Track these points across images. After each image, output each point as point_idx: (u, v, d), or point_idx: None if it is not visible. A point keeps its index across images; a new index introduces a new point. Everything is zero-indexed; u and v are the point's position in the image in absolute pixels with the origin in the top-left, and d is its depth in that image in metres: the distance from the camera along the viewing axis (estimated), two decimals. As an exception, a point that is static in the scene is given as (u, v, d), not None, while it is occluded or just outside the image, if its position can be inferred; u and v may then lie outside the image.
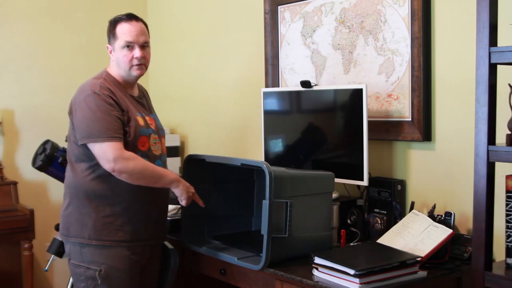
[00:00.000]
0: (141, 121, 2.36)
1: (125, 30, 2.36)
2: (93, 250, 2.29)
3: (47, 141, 2.75)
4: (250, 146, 3.39)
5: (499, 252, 2.05)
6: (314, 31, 2.95)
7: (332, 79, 2.87)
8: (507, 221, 1.89)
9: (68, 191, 2.38)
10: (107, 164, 2.21)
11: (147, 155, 2.34)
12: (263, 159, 2.95)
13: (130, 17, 2.41)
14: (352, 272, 1.93)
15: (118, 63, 2.37)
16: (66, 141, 2.76)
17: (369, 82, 2.62)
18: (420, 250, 2.16)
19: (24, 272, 3.52)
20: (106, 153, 2.20)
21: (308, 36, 2.99)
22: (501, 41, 1.86)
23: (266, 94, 2.96)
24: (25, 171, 3.73)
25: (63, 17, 3.96)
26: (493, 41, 1.82)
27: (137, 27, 2.38)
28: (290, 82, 3.11)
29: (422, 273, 2.06)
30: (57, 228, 2.86)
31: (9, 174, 3.71)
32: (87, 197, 2.30)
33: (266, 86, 3.22)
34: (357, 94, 2.49)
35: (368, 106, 2.50)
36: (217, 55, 3.65)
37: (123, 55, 2.35)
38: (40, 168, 2.70)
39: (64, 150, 2.71)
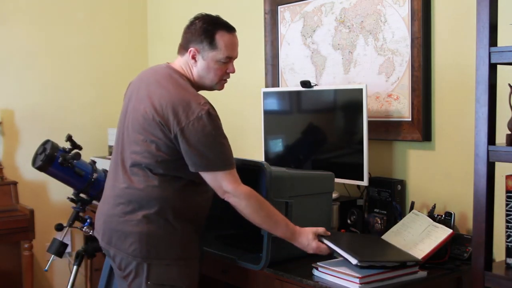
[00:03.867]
0: None
1: (228, 43, 2.15)
2: (179, 267, 2.11)
3: (47, 141, 2.75)
4: (250, 146, 3.39)
5: (499, 252, 2.05)
6: (314, 31, 2.95)
7: (332, 79, 2.87)
8: (507, 221, 1.89)
9: (150, 206, 2.09)
10: (221, 194, 2.07)
11: None
12: (263, 159, 2.95)
13: (231, 27, 2.20)
14: (354, 261, 1.92)
15: (204, 72, 2.15)
16: (66, 141, 2.76)
17: (369, 82, 2.62)
18: (420, 250, 2.16)
19: (24, 272, 3.53)
20: (224, 185, 2.04)
21: (308, 36, 2.99)
22: (501, 41, 1.86)
23: (266, 94, 2.96)
24: (25, 171, 3.74)
25: (63, 17, 3.96)
26: (493, 41, 1.82)
27: (237, 40, 2.21)
28: (290, 82, 3.11)
29: (422, 273, 2.07)
30: (57, 228, 2.87)
31: (9, 174, 3.71)
32: (174, 214, 2.09)
33: (266, 86, 3.23)
34: (357, 94, 2.49)
35: (368, 106, 2.50)
36: (217, 55, 3.65)
37: (217, 67, 2.14)
38: (40, 168, 2.69)
39: (64, 150, 2.71)
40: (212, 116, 2.03)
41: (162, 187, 2.08)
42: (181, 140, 2.01)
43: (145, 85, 2.15)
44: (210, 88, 2.23)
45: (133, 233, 2.09)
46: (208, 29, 2.15)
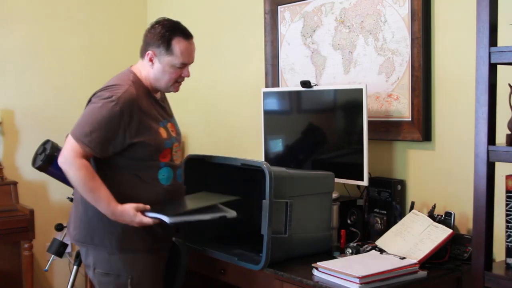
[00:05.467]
0: (164, 134, 2.26)
1: (183, 49, 2.24)
2: (122, 257, 2.22)
3: (47, 141, 2.75)
4: (250, 146, 3.39)
5: (499, 252, 2.05)
6: (314, 31, 2.95)
7: (332, 79, 2.87)
8: (507, 221, 1.89)
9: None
10: (60, 156, 2.18)
11: (170, 165, 2.29)
12: (263, 159, 2.95)
13: (188, 34, 2.28)
14: (168, 220, 2.09)
15: (160, 74, 2.26)
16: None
17: (369, 82, 2.62)
18: (420, 250, 2.16)
19: (24, 272, 3.52)
20: (66, 148, 2.16)
21: (308, 36, 2.99)
22: (501, 41, 1.86)
23: (266, 94, 2.96)
24: (25, 171, 3.73)
25: (63, 17, 3.96)
26: (493, 41, 1.82)
27: (193, 46, 2.30)
28: (290, 82, 3.11)
29: (422, 273, 2.07)
30: (57, 228, 2.87)
31: (9, 174, 3.71)
32: None
33: (266, 86, 3.23)
34: (357, 94, 2.49)
35: (368, 106, 2.51)
36: (217, 55, 3.65)
37: (172, 71, 2.26)
38: (40, 168, 2.70)
39: (64, 150, 2.71)
40: (110, 102, 2.14)
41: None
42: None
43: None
44: (165, 90, 2.34)
45: (75, 219, 2.29)
46: (166, 35, 2.24)
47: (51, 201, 3.88)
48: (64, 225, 2.89)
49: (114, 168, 2.22)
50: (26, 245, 3.47)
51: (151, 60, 2.26)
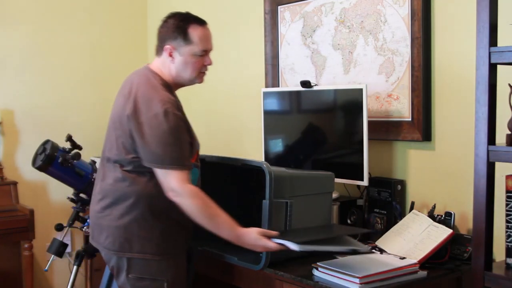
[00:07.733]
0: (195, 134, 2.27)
1: (202, 36, 2.20)
2: (158, 262, 2.17)
3: (47, 141, 2.75)
4: (250, 146, 3.39)
5: (499, 252, 2.05)
6: (314, 31, 2.95)
7: (332, 79, 2.87)
8: (507, 221, 1.89)
9: (123, 201, 2.16)
10: (168, 192, 2.09)
11: (196, 166, 2.25)
12: (263, 159, 2.95)
13: (202, 20, 2.24)
14: (296, 247, 2.00)
15: (182, 67, 2.20)
16: (66, 141, 2.76)
17: (369, 82, 2.62)
18: (420, 250, 2.16)
19: (24, 272, 3.52)
20: (170, 182, 2.07)
21: (308, 36, 2.99)
22: (501, 41, 1.86)
23: (266, 94, 2.96)
24: (25, 171, 3.73)
25: (63, 17, 3.96)
26: (493, 41, 1.82)
27: (209, 32, 2.26)
28: (290, 82, 3.11)
29: (422, 273, 2.07)
30: (57, 228, 2.87)
31: (9, 174, 3.71)
32: (149, 209, 2.16)
33: (266, 86, 3.23)
34: (357, 94, 2.49)
35: (368, 106, 2.51)
36: (217, 55, 3.64)
37: (194, 61, 2.19)
38: (40, 168, 2.70)
39: (64, 150, 2.71)
40: (170, 115, 2.07)
41: (131, 182, 2.15)
42: (137, 134, 2.09)
43: (126, 85, 2.24)
44: (190, 83, 2.27)
45: (108, 227, 2.18)
46: (180, 25, 2.20)
47: (51, 201, 3.88)
48: (64, 225, 2.89)
49: (146, 174, 2.15)
50: (26, 245, 3.47)
51: (170, 54, 2.19)
